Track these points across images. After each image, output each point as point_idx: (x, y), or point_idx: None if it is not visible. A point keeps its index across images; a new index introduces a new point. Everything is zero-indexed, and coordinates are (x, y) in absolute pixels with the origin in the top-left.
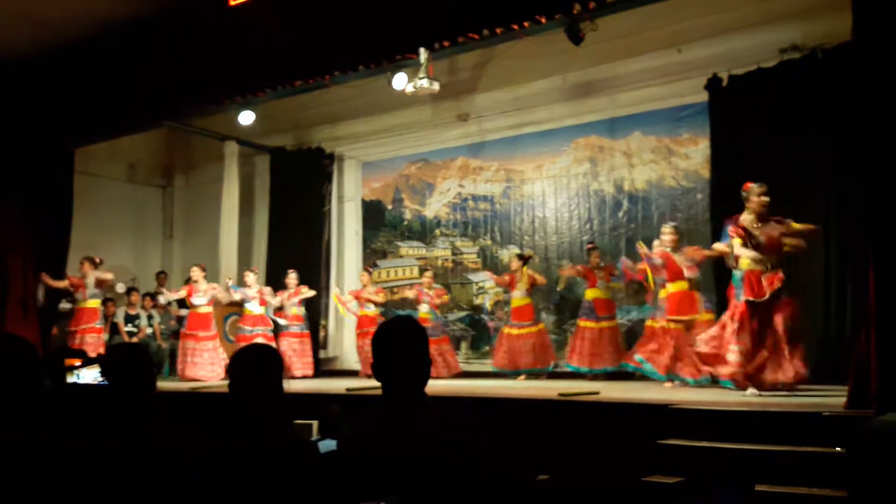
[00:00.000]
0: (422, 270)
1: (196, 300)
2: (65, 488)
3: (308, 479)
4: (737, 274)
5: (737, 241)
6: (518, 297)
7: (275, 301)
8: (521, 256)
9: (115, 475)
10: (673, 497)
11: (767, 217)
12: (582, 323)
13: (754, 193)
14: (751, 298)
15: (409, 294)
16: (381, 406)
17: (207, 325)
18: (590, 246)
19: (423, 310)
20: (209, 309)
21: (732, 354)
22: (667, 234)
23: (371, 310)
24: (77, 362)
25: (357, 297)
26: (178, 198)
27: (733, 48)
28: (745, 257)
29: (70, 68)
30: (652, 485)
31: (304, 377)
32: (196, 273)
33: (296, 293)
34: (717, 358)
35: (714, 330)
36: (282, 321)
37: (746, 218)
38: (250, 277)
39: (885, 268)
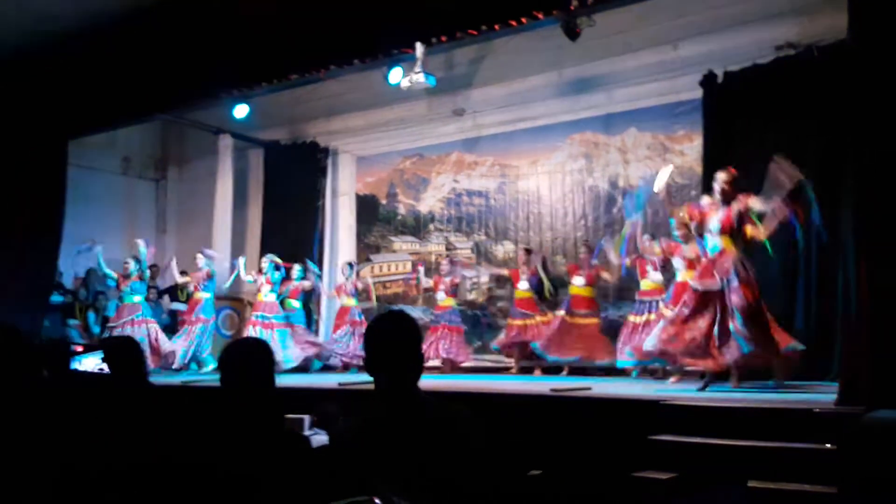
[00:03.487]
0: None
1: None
2: (61, 474)
3: (299, 473)
4: None
5: None
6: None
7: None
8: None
9: (111, 462)
10: (668, 493)
11: None
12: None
13: None
14: None
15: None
16: (375, 401)
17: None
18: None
19: (524, 287)
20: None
21: None
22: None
23: None
24: (79, 348)
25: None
26: (172, 191)
27: (730, 45)
28: None
29: (65, 59)
30: (646, 481)
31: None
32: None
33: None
34: None
35: None
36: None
37: None
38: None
39: (877, 265)
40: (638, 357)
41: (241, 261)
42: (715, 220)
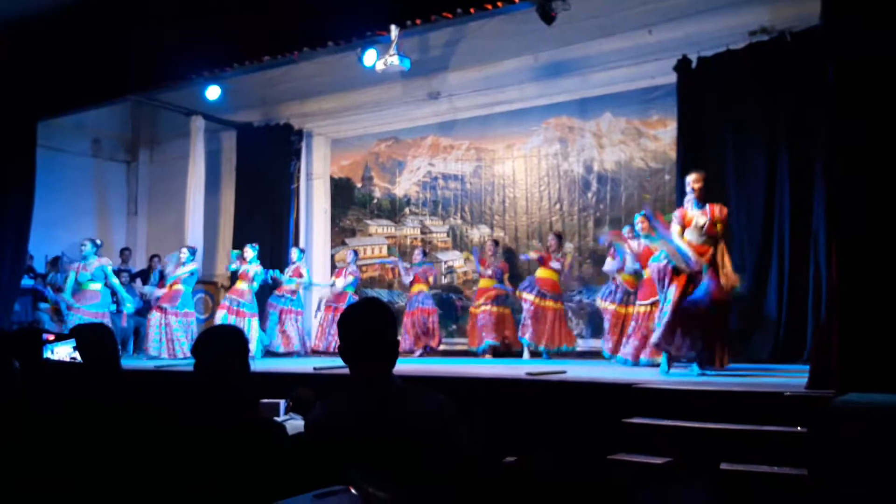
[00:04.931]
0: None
1: None
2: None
3: (274, 459)
4: None
5: None
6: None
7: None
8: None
9: (87, 450)
10: (643, 475)
11: None
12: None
13: None
14: None
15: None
16: (351, 388)
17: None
18: None
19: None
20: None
21: None
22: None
23: None
24: (51, 337)
25: None
26: (143, 174)
27: (703, 30)
28: None
29: (34, 38)
30: (621, 463)
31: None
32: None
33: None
34: None
35: None
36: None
37: None
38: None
39: (847, 252)
40: (648, 356)
41: None
42: (697, 219)
